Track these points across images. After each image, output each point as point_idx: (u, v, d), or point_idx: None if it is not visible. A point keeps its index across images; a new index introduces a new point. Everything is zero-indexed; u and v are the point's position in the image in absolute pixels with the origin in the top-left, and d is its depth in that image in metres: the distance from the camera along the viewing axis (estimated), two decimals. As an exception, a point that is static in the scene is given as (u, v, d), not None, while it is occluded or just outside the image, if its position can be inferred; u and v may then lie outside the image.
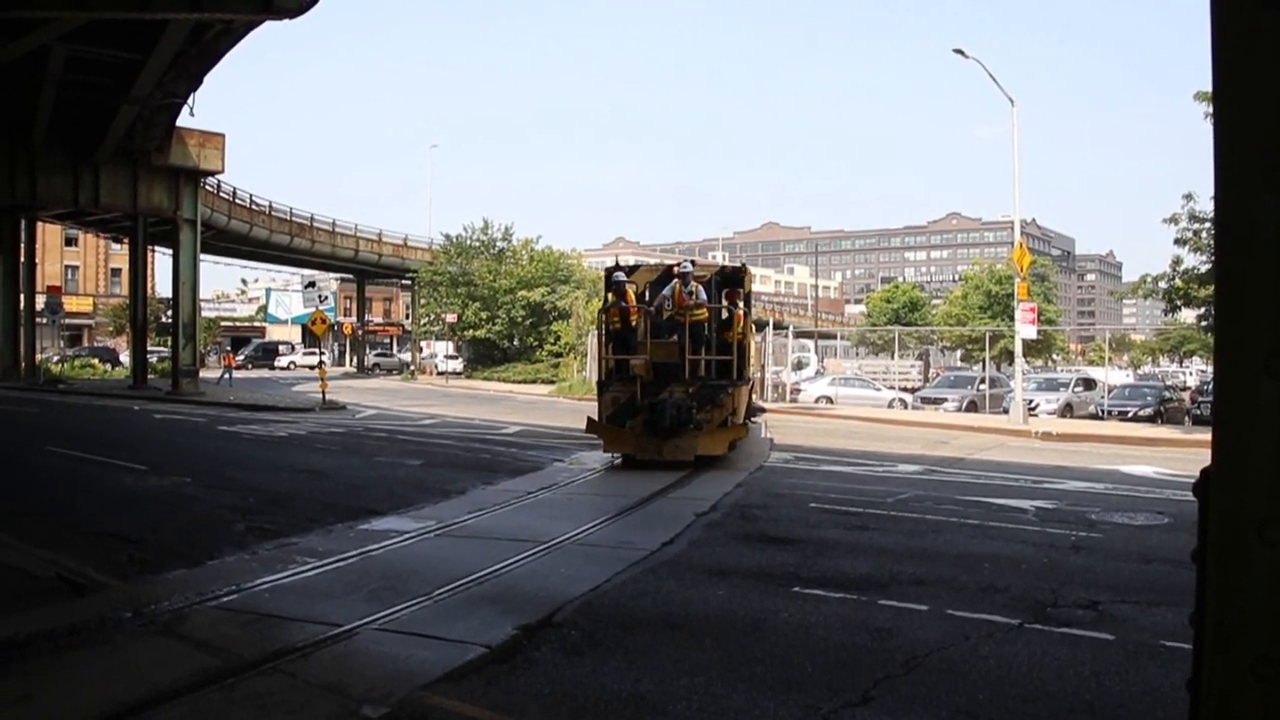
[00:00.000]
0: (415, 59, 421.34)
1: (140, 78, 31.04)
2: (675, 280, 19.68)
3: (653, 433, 18.19)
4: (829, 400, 40.50)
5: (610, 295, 20.15)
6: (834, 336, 77.47)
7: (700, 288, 19.57)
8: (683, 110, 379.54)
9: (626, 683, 6.74)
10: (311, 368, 56.55)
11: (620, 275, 20.16)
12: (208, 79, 33.05)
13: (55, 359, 62.98)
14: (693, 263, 22.15)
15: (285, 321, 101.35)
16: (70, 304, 70.72)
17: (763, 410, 32.12)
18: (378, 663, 7.18)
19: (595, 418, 19.48)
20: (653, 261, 21.87)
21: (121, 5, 23.99)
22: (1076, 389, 38.88)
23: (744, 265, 22.70)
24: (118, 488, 15.62)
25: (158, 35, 27.61)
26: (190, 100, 35.49)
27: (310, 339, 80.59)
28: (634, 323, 19.53)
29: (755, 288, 41.95)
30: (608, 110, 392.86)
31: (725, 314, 20.13)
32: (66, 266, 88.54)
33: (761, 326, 41.50)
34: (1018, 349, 33.20)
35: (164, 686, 6.60)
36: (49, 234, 70.35)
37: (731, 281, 21.19)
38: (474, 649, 7.39)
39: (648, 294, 20.54)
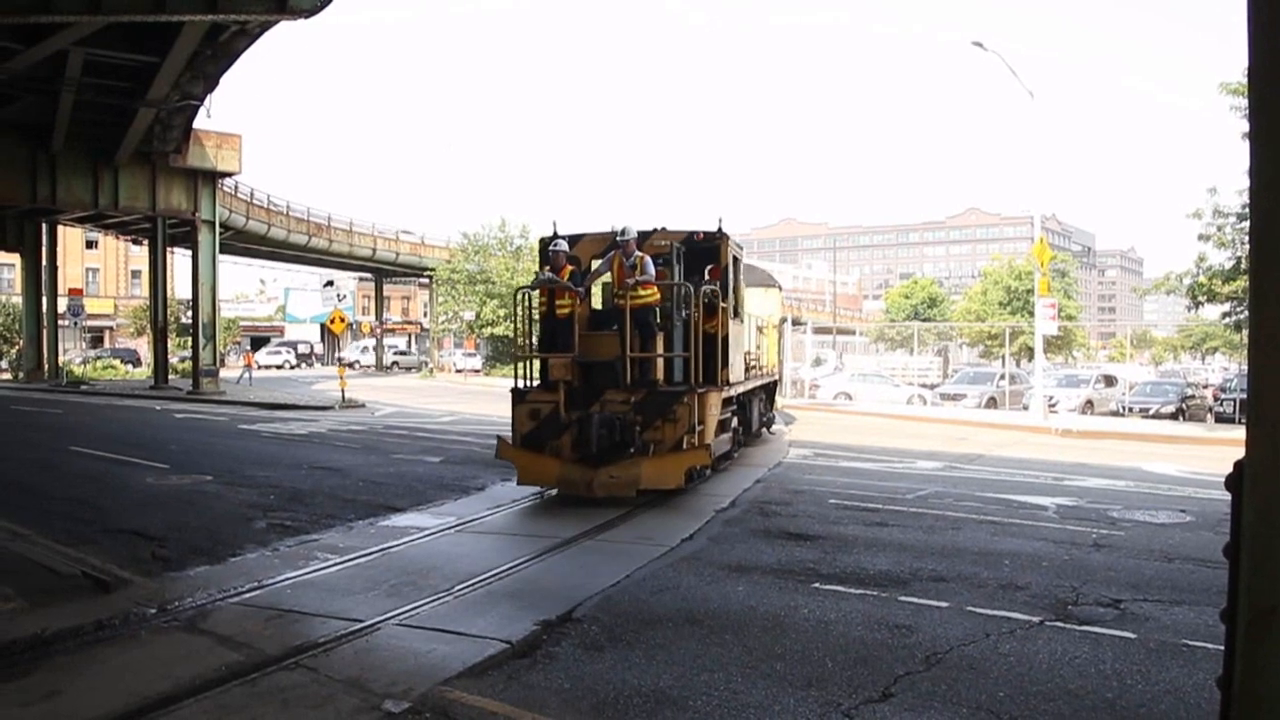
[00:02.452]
0: (432, 56, 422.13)
1: (157, 80, 31.20)
2: (614, 251, 14.91)
3: (582, 459, 14.10)
4: (847, 396, 40.37)
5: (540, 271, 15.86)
6: (852, 332, 77.20)
7: (647, 260, 14.49)
8: (696, 105, 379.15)
9: (647, 678, 6.76)
10: (278, 366, 56.48)
11: (560, 244, 15.29)
12: (224, 80, 33.20)
13: (78, 360, 63.44)
14: (660, 230, 16.01)
15: (304, 321, 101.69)
16: (91, 306, 71.15)
17: (775, 420, 27.04)
18: (399, 658, 7.22)
19: (510, 437, 14.98)
20: (606, 230, 16.11)
21: (138, 8, 24.12)
22: (1097, 386, 38.66)
23: (721, 231, 15.92)
24: (141, 486, 15.72)
25: (174, 37, 27.75)
26: (207, 102, 35.64)
27: (331, 338, 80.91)
28: (562, 309, 14.97)
29: (786, 285, 34.78)
30: (623, 106, 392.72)
31: (687, 297, 15.05)
32: (87, 269, 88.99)
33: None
34: (1038, 345, 33.04)
35: (188, 681, 6.66)
36: (70, 237, 70.71)
37: (703, 254, 16.02)
38: (495, 644, 7.42)
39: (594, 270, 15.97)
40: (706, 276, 15.77)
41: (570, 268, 15.15)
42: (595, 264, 15.77)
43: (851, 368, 50.70)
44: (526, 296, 15.80)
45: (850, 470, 18.68)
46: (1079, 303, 79.13)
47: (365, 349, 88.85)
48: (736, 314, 17.24)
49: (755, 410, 21.56)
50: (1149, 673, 6.94)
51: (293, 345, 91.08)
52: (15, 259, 58.27)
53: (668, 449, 13.94)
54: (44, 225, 50.84)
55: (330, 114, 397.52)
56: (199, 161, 42.64)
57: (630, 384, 14.16)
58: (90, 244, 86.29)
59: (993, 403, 38.19)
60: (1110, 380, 40.32)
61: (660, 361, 14.68)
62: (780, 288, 30.70)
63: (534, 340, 15.84)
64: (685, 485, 14.21)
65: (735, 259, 17.07)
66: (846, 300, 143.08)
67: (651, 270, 14.47)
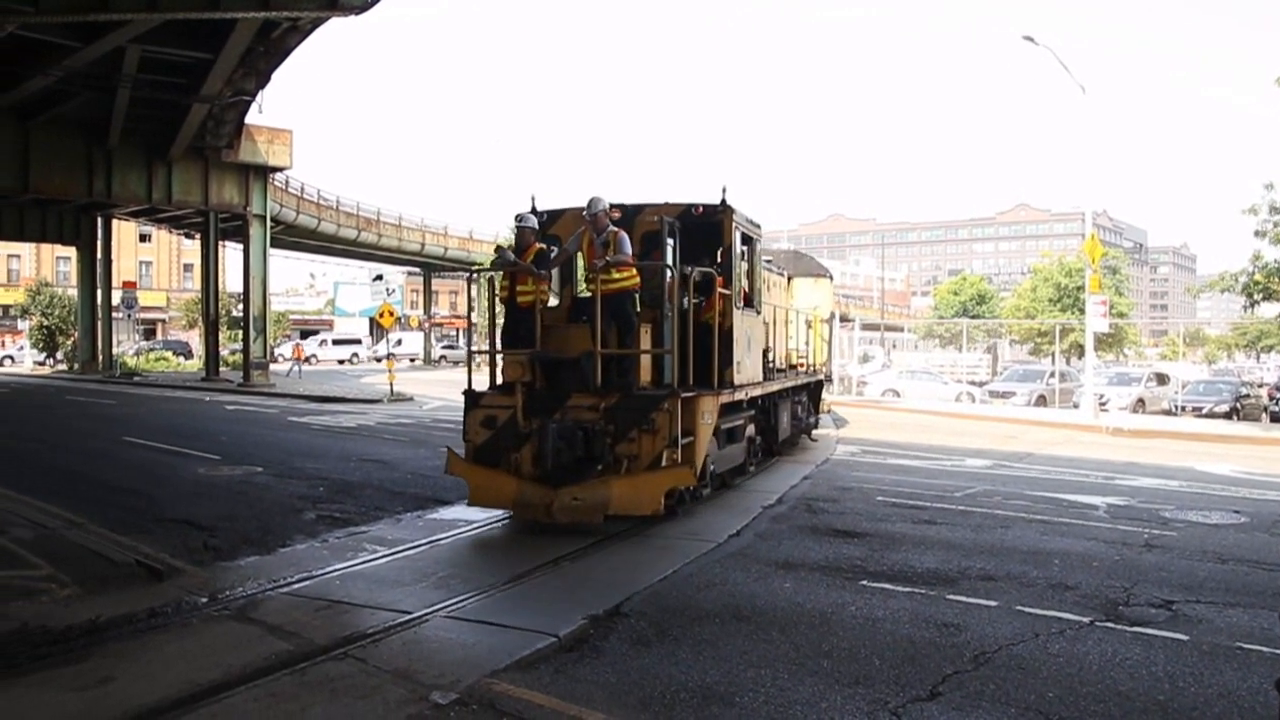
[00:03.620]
0: (479, 49, 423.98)
1: (210, 76, 31.61)
2: (584, 226, 12.68)
3: (543, 477, 11.83)
4: (895, 394, 40.18)
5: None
6: (900, 329, 76.83)
7: (622, 236, 12.28)
8: (746, 100, 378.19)
9: (694, 674, 6.76)
10: (341, 361, 56.69)
11: (527, 219, 13.10)
12: (275, 76, 33.54)
13: (131, 352, 64.38)
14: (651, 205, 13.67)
15: (353, 315, 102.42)
16: (145, 299, 72.05)
17: (819, 423, 23.76)
18: (446, 650, 7.28)
19: (466, 449, 12.69)
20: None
21: (193, 5, 24.45)
22: (1149, 384, 38.20)
23: (725, 203, 13.54)
24: (192, 477, 15.91)
25: (227, 34, 28.11)
26: (259, 98, 36.08)
27: (377, 331, 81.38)
28: (524, 296, 12.71)
29: (836, 282, 30.67)
30: (672, 100, 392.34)
31: (683, 279, 12.73)
32: (141, 262, 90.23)
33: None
34: (1089, 342, 32.66)
35: (238, 670, 6.75)
36: (124, 231, 71.66)
37: (704, 232, 13.63)
38: (542, 638, 7.45)
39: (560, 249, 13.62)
40: (720, 260, 13.68)
41: (539, 247, 12.90)
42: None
43: (899, 365, 50.44)
44: (491, 281, 13.82)
45: (898, 468, 18.58)
46: (1130, 300, 78.32)
47: (399, 341, 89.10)
48: (751, 303, 15.01)
49: (787, 415, 18.59)
50: (1202, 676, 6.85)
51: (353, 339, 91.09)
52: (72, 252, 59.25)
53: (646, 465, 11.57)
54: (99, 219, 51.61)
55: (378, 108, 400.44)
56: (250, 156, 43.07)
57: (601, 386, 11.89)
58: (144, 238, 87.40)
59: (1042, 401, 37.80)
60: (1162, 378, 39.81)
61: (646, 360, 12.45)
62: (831, 277, 27.07)
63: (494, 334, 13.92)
64: (665, 511, 11.68)
65: (748, 238, 14.66)
66: (894, 297, 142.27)
67: (627, 249, 12.17)
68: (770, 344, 17.34)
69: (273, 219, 47.38)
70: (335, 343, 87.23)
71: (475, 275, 14.64)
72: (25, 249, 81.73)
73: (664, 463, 11.52)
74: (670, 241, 13.34)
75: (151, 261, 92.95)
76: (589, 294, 12.59)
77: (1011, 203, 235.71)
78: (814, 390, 22.46)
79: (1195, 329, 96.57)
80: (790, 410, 18.98)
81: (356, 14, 25.73)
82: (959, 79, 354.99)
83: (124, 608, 8.20)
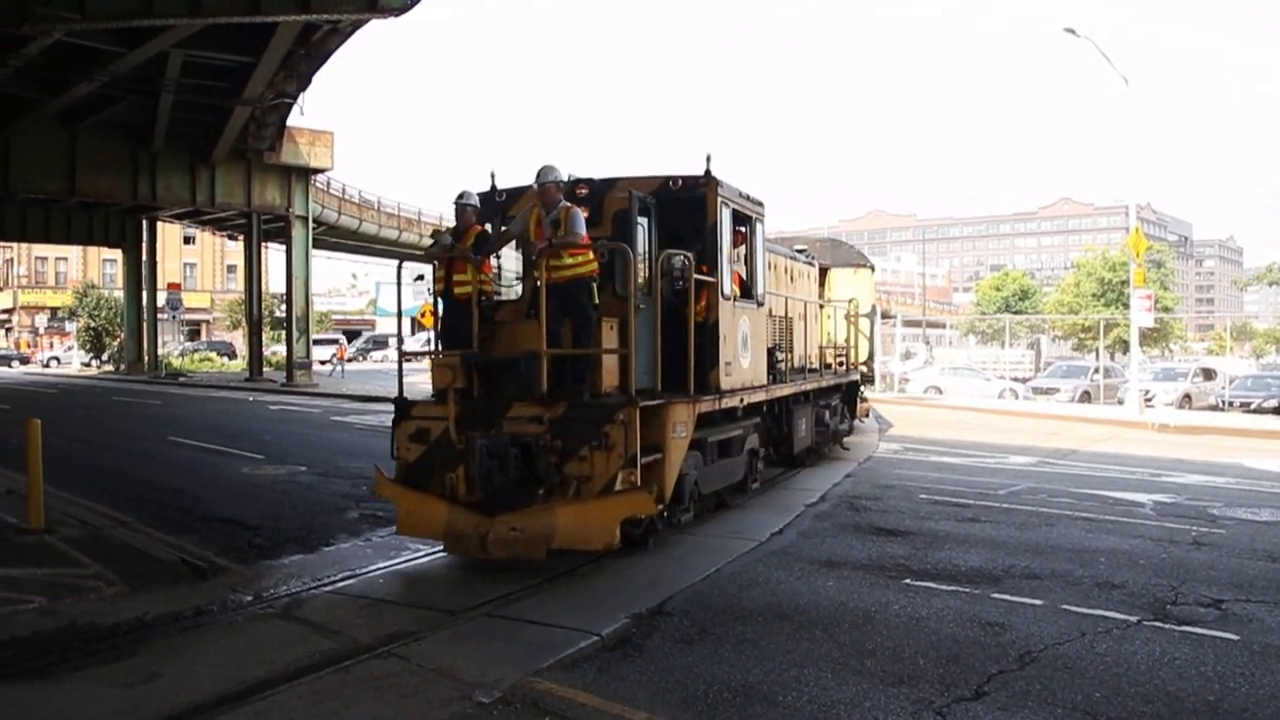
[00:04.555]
0: (518, 48, 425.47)
1: (252, 80, 31.94)
2: (533, 204, 10.87)
3: (478, 502, 9.75)
4: (938, 390, 39.93)
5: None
6: (942, 325, 76.42)
7: (575, 213, 10.32)
8: (787, 95, 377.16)
9: (737, 672, 6.75)
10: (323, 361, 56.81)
11: (468, 197, 11.32)
12: (316, 78, 33.81)
13: (176, 353, 65.14)
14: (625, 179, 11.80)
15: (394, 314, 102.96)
16: (189, 300, 72.76)
17: (855, 428, 21.68)
18: (490, 648, 7.30)
19: (396, 468, 10.79)
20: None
21: (234, 9, 24.68)
22: (1196, 379, 37.68)
23: (710, 175, 11.63)
24: (236, 476, 16.06)
25: (268, 37, 28.40)
26: (300, 100, 36.39)
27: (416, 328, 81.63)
28: (461, 287, 10.90)
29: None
30: (712, 96, 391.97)
31: (672, 265, 11.41)
32: (185, 264, 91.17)
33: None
34: (1133, 337, 32.34)
35: (283, 667, 6.82)
36: (168, 233, 72.40)
37: (684, 209, 11.69)
38: (585, 636, 7.47)
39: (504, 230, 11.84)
40: (719, 244, 11.82)
41: (481, 229, 11.29)
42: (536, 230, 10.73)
43: (941, 361, 50.09)
44: (434, 269, 11.47)
45: (941, 465, 18.46)
46: (1176, 294, 77.47)
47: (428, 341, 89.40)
48: (749, 294, 13.11)
49: (807, 421, 16.50)
50: (1253, 676, 6.76)
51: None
52: (118, 255, 59.94)
53: (600, 488, 9.58)
54: (144, 222, 52.23)
55: (418, 108, 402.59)
56: (292, 158, 43.43)
57: (549, 394, 9.97)
58: (188, 240, 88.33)
59: (1086, 397, 37.41)
60: (1209, 374, 39.26)
61: (612, 362, 10.38)
62: (872, 268, 24.52)
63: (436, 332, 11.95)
64: (621, 545, 9.64)
65: (742, 216, 12.78)
66: (936, 293, 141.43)
67: (580, 228, 10.27)
68: (784, 340, 15.66)
69: (315, 220, 47.76)
70: (376, 343, 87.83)
71: (404, 263, 12.77)
72: (73, 252, 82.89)
73: (618, 485, 9.49)
74: (643, 221, 11.54)
75: (196, 263, 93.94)
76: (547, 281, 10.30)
77: (1054, 196, 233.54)
78: (848, 391, 20.41)
79: (1243, 323, 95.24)
80: (812, 416, 16.92)
81: (396, 15, 25.90)
82: (1001, 72, 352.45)
83: (170, 606, 8.32)
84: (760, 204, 13.46)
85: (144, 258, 53.35)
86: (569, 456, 9.73)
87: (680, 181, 11.69)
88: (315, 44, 30.14)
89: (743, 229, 13.09)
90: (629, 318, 10.11)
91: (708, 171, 11.67)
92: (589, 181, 11.67)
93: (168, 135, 38.38)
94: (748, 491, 13.58)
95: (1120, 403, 33.87)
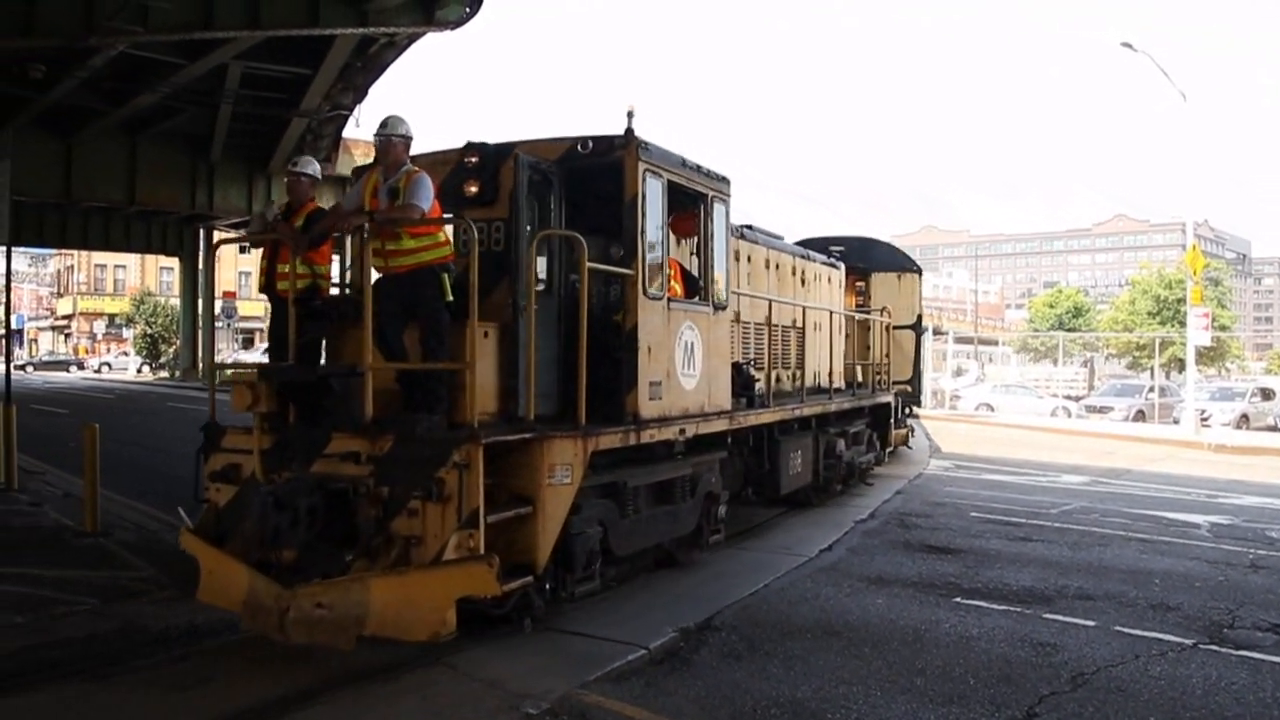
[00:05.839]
0: (575, 53, 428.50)
1: (309, 92, 32.35)
2: (373, 170, 8.61)
3: (273, 569, 7.45)
4: (989, 408, 39.58)
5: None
6: (995, 343, 75.65)
7: (420, 180, 7.93)
8: (840, 109, 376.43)
9: (785, 689, 6.73)
10: None
11: (309, 165, 9.10)
12: (372, 90, 34.20)
13: (230, 360, 65.92)
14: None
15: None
16: (243, 309, 73.54)
17: (884, 457, 18.72)
18: (537, 659, 7.33)
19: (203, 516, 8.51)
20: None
21: (293, 22, 25.03)
22: (1254, 399, 37.12)
23: (631, 134, 8.97)
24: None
25: (325, 50, 28.78)
26: (356, 112, 36.78)
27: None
28: (285, 280, 8.46)
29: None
30: (766, 110, 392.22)
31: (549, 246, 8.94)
32: (240, 273, 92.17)
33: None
34: (1190, 356, 31.95)
35: (334, 673, 6.90)
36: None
37: (598, 179, 9.16)
38: (633, 650, 7.48)
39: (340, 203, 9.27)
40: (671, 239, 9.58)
41: (316, 204, 9.00)
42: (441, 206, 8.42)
43: (993, 378, 49.64)
44: (265, 258, 8.98)
45: (992, 483, 18.30)
46: (1233, 312, 76.34)
47: None
48: (697, 291, 10.53)
49: (804, 455, 13.68)
50: (1312, 702, 6.65)
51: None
52: (175, 263, 60.82)
53: (433, 555, 7.06)
54: (201, 230, 52.98)
55: (471, 118, 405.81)
56: (348, 170, 43.75)
57: (372, 423, 7.59)
58: (243, 249, 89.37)
59: (1141, 416, 36.95)
60: (1268, 393, 38.68)
61: (490, 380, 8.03)
62: (920, 272, 21.29)
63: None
64: (454, 633, 6.93)
65: (684, 191, 9.92)
66: (988, 309, 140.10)
67: (425, 199, 7.84)
68: (771, 353, 13.30)
69: (369, 230, 48.15)
70: None
71: (219, 245, 10.65)
72: (131, 259, 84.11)
73: (450, 552, 6.99)
74: (544, 195, 9.13)
75: (250, 272, 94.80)
76: (377, 270, 8.18)
77: (1109, 213, 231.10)
78: (879, 415, 17.70)
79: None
80: (815, 447, 14.16)
81: (452, 29, 26.17)
82: (1057, 88, 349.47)
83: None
84: (720, 180, 10.64)
85: (200, 266, 54.10)
86: (396, 509, 7.24)
87: (591, 145, 9.08)
88: (372, 57, 30.51)
89: (692, 210, 10.42)
90: (514, 323, 8.18)
91: (628, 131, 9.00)
92: (481, 147, 8.96)
93: (226, 146, 38.95)
94: (705, 546, 10.75)
95: (1176, 422, 33.43)
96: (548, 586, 8.14)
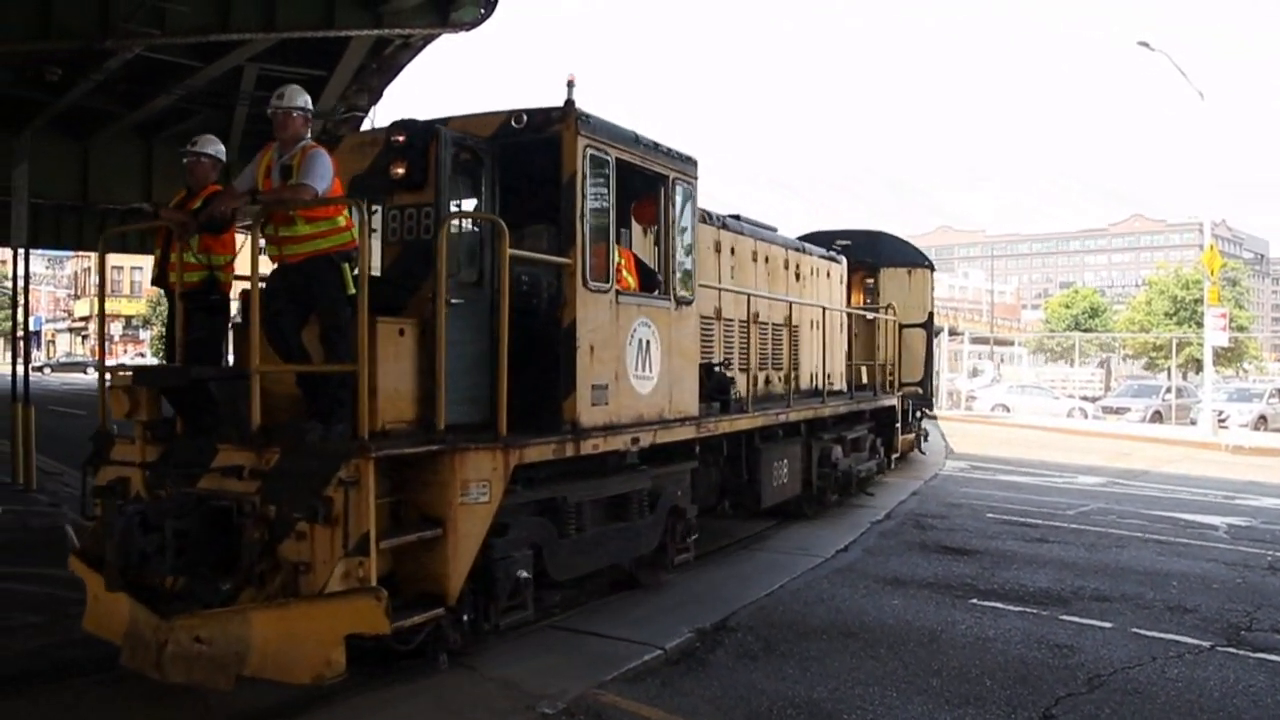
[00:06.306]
0: (592, 52, 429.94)
1: (324, 93, 32.40)
2: (268, 146, 7.60)
3: (150, 598, 6.68)
4: (1005, 409, 39.49)
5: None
6: (1010, 343, 75.41)
7: (316, 155, 7.09)
8: (852, 110, 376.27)
9: (801, 689, 6.73)
10: None
11: (209, 145, 8.70)
12: (386, 92, 34.32)
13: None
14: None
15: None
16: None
17: (889, 463, 17.36)
18: (553, 660, 7.33)
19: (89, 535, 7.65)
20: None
21: (308, 24, 25.11)
22: (1272, 400, 36.91)
23: (571, 105, 8.04)
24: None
25: (340, 52, 28.87)
26: (371, 114, 36.84)
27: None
28: (184, 271, 7.76)
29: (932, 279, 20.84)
30: (773, 111, 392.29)
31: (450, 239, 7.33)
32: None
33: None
34: (1207, 357, 31.81)
35: (352, 674, 6.88)
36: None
37: (536, 157, 8.15)
38: (649, 650, 7.48)
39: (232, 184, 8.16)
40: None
41: (218, 188, 8.19)
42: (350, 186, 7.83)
43: (1009, 379, 49.51)
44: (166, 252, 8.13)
45: (1008, 484, 18.26)
46: (1251, 313, 75.92)
47: None
48: (656, 285, 9.37)
49: (790, 464, 12.49)
50: (1332, 704, 6.62)
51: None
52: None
53: (322, 584, 6.12)
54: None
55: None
56: (363, 172, 44.01)
57: (260, 432, 6.71)
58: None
59: (1158, 417, 36.81)
60: (1286, 394, 38.49)
61: (401, 382, 7.06)
62: (932, 267, 20.43)
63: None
64: (343, 674, 6.14)
65: (636, 171, 8.93)
66: (1004, 310, 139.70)
67: (320, 178, 6.93)
68: (759, 353, 12.51)
69: (384, 232, 48.30)
70: None
71: (108, 234, 9.62)
72: (147, 261, 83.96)
73: (336, 582, 6.08)
74: (475, 176, 8.21)
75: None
76: (273, 259, 7.25)
77: (1125, 213, 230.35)
78: (884, 419, 16.70)
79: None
80: (804, 454, 13.10)
81: (467, 30, 26.18)
82: (1071, 87, 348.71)
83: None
84: (683, 160, 9.61)
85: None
86: (284, 532, 6.29)
87: (526, 118, 8.18)
88: (387, 58, 30.57)
89: (649, 193, 9.46)
90: (430, 318, 7.09)
91: (568, 102, 8.11)
92: (409, 124, 7.97)
93: (241, 148, 39.01)
94: (670, 566, 9.68)
95: (1193, 423, 33.30)
96: (466, 618, 7.07)
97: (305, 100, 7.55)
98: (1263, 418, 35.23)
